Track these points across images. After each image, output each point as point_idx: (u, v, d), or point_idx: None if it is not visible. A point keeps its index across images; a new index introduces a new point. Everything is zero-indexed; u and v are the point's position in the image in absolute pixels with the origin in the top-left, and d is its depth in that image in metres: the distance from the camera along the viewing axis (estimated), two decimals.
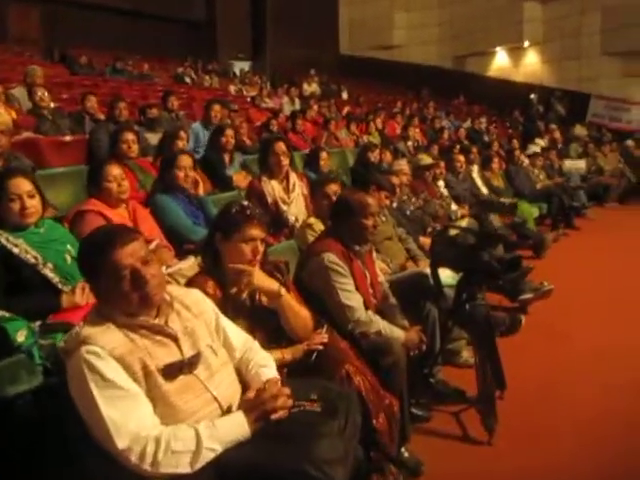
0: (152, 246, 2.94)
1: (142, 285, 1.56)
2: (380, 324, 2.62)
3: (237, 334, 1.89)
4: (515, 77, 17.62)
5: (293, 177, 3.83)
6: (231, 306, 2.10)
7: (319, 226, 3.17)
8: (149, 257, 1.61)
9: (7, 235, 2.32)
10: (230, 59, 18.72)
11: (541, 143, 11.22)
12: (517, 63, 17.77)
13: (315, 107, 11.31)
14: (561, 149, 11.11)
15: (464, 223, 4.60)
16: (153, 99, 10.06)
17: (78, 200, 3.94)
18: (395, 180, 4.29)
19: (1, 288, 2.20)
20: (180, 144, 4.61)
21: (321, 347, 2.19)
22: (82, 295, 2.31)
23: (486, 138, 11.32)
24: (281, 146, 3.73)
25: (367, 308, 2.66)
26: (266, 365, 1.82)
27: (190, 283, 2.15)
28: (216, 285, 2.11)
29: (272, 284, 2.14)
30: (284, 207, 3.70)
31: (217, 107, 6.51)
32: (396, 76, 18.98)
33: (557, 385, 3.31)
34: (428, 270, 3.17)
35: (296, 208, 3.75)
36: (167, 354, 1.58)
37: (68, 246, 2.52)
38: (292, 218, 3.72)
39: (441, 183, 5.88)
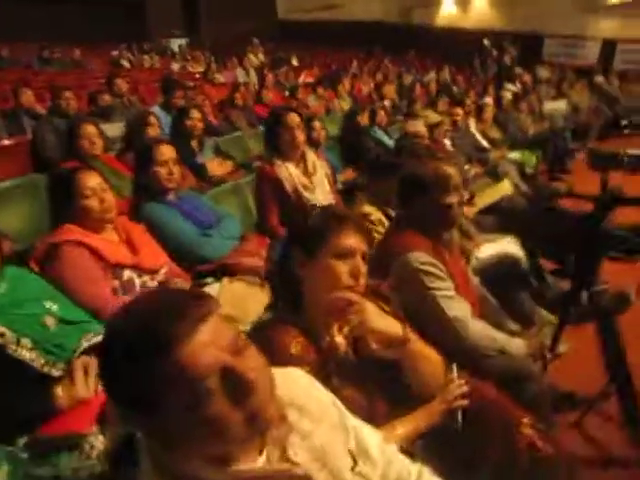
0: (160, 276, 2.14)
1: (246, 394, 0.79)
2: (500, 338, 1.92)
3: (371, 436, 1.13)
4: (465, 25, 17.00)
5: (311, 155, 3.04)
6: (333, 368, 1.35)
7: (378, 216, 2.44)
8: (240, 341, 0.84)
9: None
10: (164, 37, 17.41)
11: (512, 88, 10.65)
12: (465, 10, 17.13)
13: (270, 76, 10.46)
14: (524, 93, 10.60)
15: (505, 189, 3.87)
16: (94, 87, 8.99)
17: (36, 223, 3.09)
18: None
19: None
20: (152, 132, 3.75)
21: (465, 402, 1.47)
22: (85, 381, 1.51)
23: (455, 89, 10.69)
24: (294, 118, 2.92)
25: None
26: None
27: (263, 339, 1.37)
28: (304, 337, 1.36)
29: (393, 325, 1.39)
30: (307, 194, 2.92)
31: (179, 93, 5.62)
32: (342, 36, 18.07)
33: None
34: (511, 250, 2.50)
35: (322, 193, 2.98)
36: None
37: (47, 303, 1.70)
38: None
39: (447, 142, 5.19)
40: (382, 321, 1.36)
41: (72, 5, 16.45)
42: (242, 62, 11.31)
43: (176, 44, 16.36)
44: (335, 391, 1.32)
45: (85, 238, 1.97)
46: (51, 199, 2.08)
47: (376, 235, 2.46)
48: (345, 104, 8.47)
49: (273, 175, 2.91)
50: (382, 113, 6.36)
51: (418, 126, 4.01)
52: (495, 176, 5.06)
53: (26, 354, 1.51)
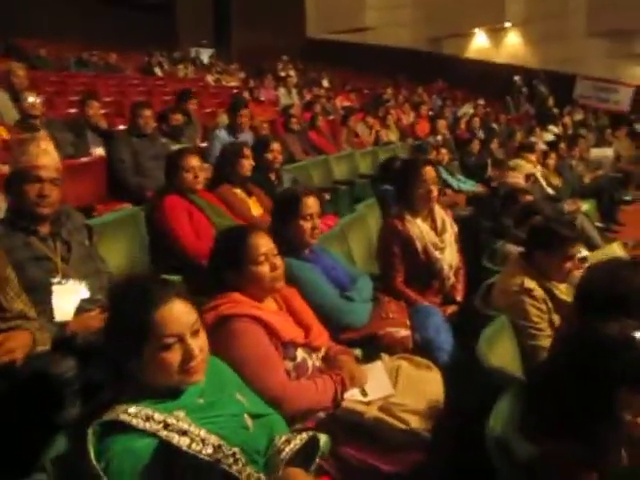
0: (322, 353, 1.90)
1: None
2: None
3: None
4: (496, 59, 16.94)
5: (440, 212, 2.82)
6: None
7: (540, 294, 2.21)
8: None
9: (156, 413, 1.23)
10: (191, 46, 17.28)
11: (554, 130, 10.52)
12: (498, 44, 17.09)
13: (308, 98, 10.32)
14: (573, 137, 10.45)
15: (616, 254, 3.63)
16: (133, 96, 8.77)
17: (136, 263, 2.85)
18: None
19: None
20: (246, 164, 3.52)
21: None
22: None
23: (494, 126, 10.53)
24: (431, 172, 2.71)
25: None
26: None
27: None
28: None
29: None
30: (437, 254, 2.69)
31: (246, 112, 5.39)
32: (369, 60, 17.96)
33: None
34: None
35: (450, 254, 2.76)
36: None
37: (238, 396, 1.46)
38: (446, 268, 2.73)
39: None
40: None
41: (103, 8, 16.37)
42: (278, 80, 11.11)
43: (205, 54, 16.22)
44: None
45: (257, 311, 1.73)
46: (217, 259, 1.83)
47: (539, 315, 2.24)
48: (393, 135, 8.29)
49: (404, 231, 2.68)
50: (444, 151, 6.16)
51: (519, 178, 3.80)
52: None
53: (243, 470, 1.26)
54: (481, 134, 9.08)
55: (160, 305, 1.25)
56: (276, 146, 4.00)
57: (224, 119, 6.31)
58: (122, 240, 2.84)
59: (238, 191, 3.47)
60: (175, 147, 4.62)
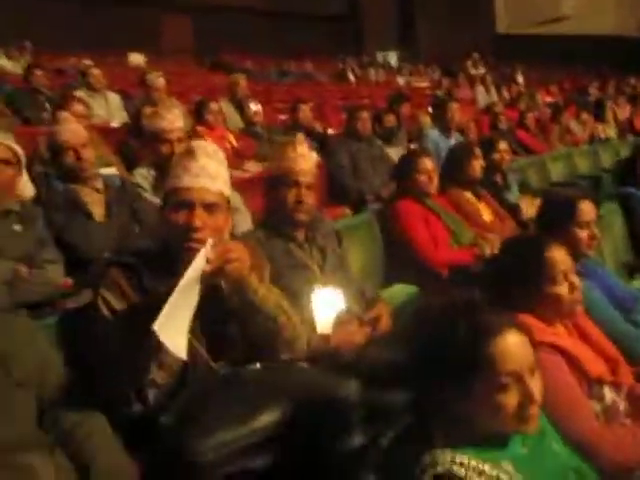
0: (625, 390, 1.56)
1: None
2: None
3: None
4: None
5: None
6: None
7: None
8: None
9: (486, 465, 1.03)
10: (377, 50, 17.35)
11: None
12: None
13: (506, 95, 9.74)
14: None
15: None
16: (332, 101, 8.97)
17: (370, 272, 2.73)
18: None
19: None
20: (477, 166, 3.25)
21: None
22: None
23: None
24: None
25: None
26: None
27: None
28: None
29: None
30: None
31: (455, 106, 5.13)
32: (567, 52, 16.51)
33: None
34: None
35: None
36: None
37: (554, 444, 1.21)
38: None
39: None
40: None
41: (288, 19, 17.08)
42: (470, 78, 10.65)
43: (393, 57, 16.19)
44: None
45: (559, 339, 1.46)
46: (498, 277, 1.59)
47: None
48: (611, 131, 7.44)
49: None
50: None
51: None
52: None
53: None
54: None
55: (496, 336, 1.05)
56: (503, 145, 3.68)
57: (427, 120, 6.14)
58: (355, 247, 2.74)
59: (468, 195, 3.22)
60: (389, 150, 4.53)
